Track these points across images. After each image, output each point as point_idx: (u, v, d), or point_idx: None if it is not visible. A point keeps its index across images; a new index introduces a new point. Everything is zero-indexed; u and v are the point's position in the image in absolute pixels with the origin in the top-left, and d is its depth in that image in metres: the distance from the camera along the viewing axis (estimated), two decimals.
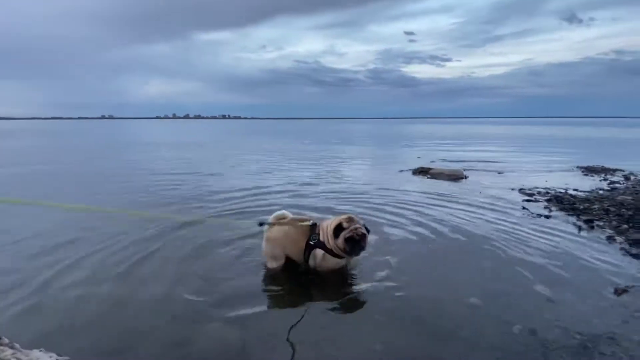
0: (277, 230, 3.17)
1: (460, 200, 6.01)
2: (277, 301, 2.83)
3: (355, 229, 2.91)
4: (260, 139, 26.93)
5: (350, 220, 2.96)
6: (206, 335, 2.35)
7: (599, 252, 3.72)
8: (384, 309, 2.63)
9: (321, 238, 3.01)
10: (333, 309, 2.67)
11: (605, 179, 8.08)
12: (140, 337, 2.34)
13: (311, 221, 3.13)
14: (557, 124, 74.81)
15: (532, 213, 5.20)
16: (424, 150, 16.26)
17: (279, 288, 3.00)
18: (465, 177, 8.27)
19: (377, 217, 4.95)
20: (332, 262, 3.04)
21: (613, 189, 6.95)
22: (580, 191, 6.63)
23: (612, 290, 2.93)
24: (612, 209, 5.17)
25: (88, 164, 11.94)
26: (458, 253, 3.74)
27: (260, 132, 42.91)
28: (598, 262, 3.47)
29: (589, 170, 9.38)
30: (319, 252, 3.01)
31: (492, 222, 4.75)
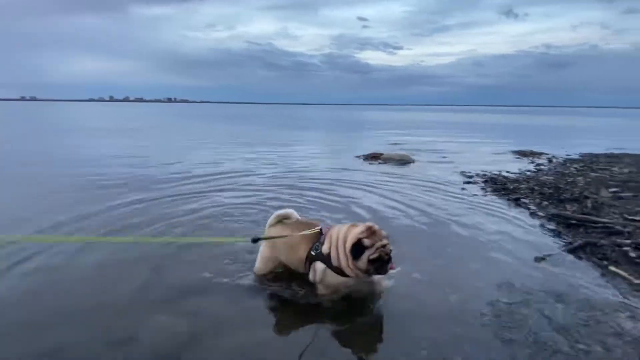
0: (275, 232, 2.74)
1: (407, 183, 6.41)
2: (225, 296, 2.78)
3: (383, 246, 2.30)
4: (214, 124, 25.69)
5: (371, 232, 2.31)
6: (153, 330, 2.25)
7: (523, 226, 4.23)
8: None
9: (325, 249, 2.41)
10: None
11: (532, 162, 9.11)
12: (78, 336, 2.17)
13: (320, 227, 2.60)
14: (496, 112, 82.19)
15: (470, 193, 5.72)
16: (377, 136, 16.86)
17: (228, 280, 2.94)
18: (413, 162, 8.77)
19: (329, 199, 5.08)
20: (335, 281, 2.42)
21: (538, 170, 7.87)
22: (512, 173, 7.41)
23: (533, 259, 3.36)
24: (536, 188, 5.87)
25: (14, 155, 10.42)
26: (404, 231, 3.99)
27: (213, 117, 40.90)
28: (522, 235, 3.94)
29: (520, 154, 10.50)
30: (320, 266, 2.44)
31: (434, 202, 5.14)
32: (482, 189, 6.07)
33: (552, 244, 3.72)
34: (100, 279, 2.90)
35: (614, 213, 4.36)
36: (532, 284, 2.88)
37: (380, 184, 6.25)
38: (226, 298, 2.62)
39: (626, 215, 4.23)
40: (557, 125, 30.98)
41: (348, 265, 2.32)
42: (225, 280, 2.83)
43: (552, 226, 4.22)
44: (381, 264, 2.30)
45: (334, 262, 2.36)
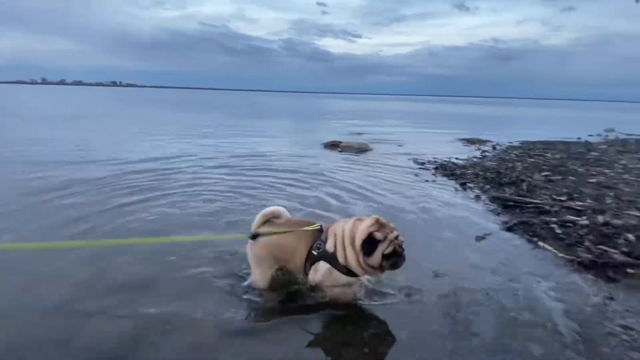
0: (267, 233, 2.44)
1: (363, 170, 6.61)
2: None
3: (396, 237, 2.15)
4: (166, 112, 24.16)
5: (381, 225, 2.16)
6: (94, 331, 2.12)
7: (467, 208, 4.58)
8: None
9: (329, 247, 2.21)
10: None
11: (479, 149, 9.81)
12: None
13: (320, 224, 2.38)
14: (449, 102, 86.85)
15: (422, 179, 6.05)
16: (337, 125, 17.06)
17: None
18: (371, 150, 9.03)
19: (289, 187, 5.10)
20: (342, 281, 2.25)
21: (483, 157, 8.51)
22: (460, 159, 7.93)
23: (474, 238, 3.66)
24: (480, 173, 6.35)
25: None
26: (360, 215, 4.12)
27: (164, 103, 38.45)
28: (466, 217, 4.27)
29: (468, 142, 11.24)
30: (323, 266, 2.22)
31: (389, 188, 5.38)
32: (433, 174, 6.44)
33: (492, 224, 4.07)
34: (38, 281, 2.65)
35: (545, 194, 4.87)
36: (472, 259, 3.15)
37: (339, 171, 6.40)
38: (173, 295, 2.49)
39: (554, 196, 4.75)
40: (503, 115, 33.58)
41: (358, 263, 2.12)
42: (173, 276, 2.73)
43: (492, 208, 4.61)
44: (397, 258, 2.14)
45: (341, 260, 2.16)
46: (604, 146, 10.85)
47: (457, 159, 8.02)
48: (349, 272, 2.19)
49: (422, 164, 7.39)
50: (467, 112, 36.53)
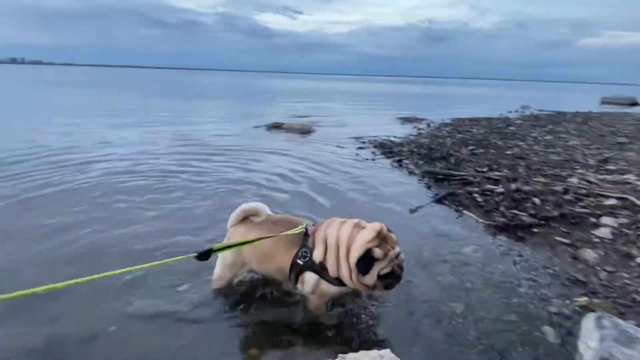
0: (240, 233, 2.13)
1: (306, 150, 6.66)
2: None
3: (397, 255, 1.89)
4: (79, 93, 21.31)
5: (382, 239, 1.87)
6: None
7: (402, 184, 4.89)
8: None
9: (317, 256, 1.92)
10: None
11: (415, 127, 10.43)
12: None
13: (305, 225, 2.05)
14: (390, 82, 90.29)
15: (362, 158, 6.28)
16: (280, 106, 16.74)
17: None
18: (314, 130, 9.07)
19: (226, 172, 4.92)
20: (331, 292, 2.00)
21: (419, 134, 9.07)
22: (397, 137, 8.36)
23: (408, 210, 3.94)
24: (415, 150, 6.77)
25: None
26: (303, 195, 4.17)
27: (80, 83, 33.84)
28: (401, 191, 4.56)
29: (406, 120, 11.87)
30: (311, 277, 1.96)
31: (330, 168, 5.50)
32: (373, 153, 6.71)
33: (424, 197, 4.40)
34: None
35: (469, 167, 5.39)
36: (406, 229, 3.41)
37: (281, 153, 6.35)
38: (89, 299, 2.25)
39: (477, 168, 5.28)
40: (437, 94, 35.97)
41: (351, 279, 1.88)
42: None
43: (425, 182, 4.99)
44: (392, 280, 1.90)
45: (332, 272, 1.90)
46: (519, 121, 12.25)
47: (395, 137, 8.44)
48: (340, 282, 1.92)
49: (363, 143, 7.64)
50: (406, 92, 38.40)
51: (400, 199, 4.31)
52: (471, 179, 4.77)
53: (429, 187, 4.75)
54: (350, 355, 1.35)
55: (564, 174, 4.93)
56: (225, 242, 2.12)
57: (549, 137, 8.20)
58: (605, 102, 25.99)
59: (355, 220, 1.96)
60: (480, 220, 3.66)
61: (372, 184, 4.78)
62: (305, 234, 2.00)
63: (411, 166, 5.74)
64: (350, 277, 1.87)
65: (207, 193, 4.19)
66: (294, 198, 4.18)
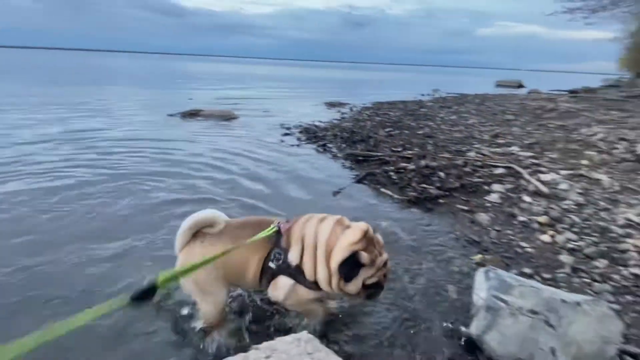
0: (196, 253, 1.73)
1: (228, 139, 6.40)
2: None
3: (385, 263, 1.70)
4: None
5: (369, 241, 1.66)
6: None
7: (326, 167, 5.05)
8: None
9: (292, 258, 1.69)
10: None
11: (339, 111, 10.74)
12: None
13: (278, 223, 1.78)
14: (314, 67, 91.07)
15: (287, 144, 6.28)
16: (198, 92, 15.61)
17: None
18: (236, 117, 8.71)
19: (133, 164, 4.45)
20: (310, 297, 1.76)
21: (342, 118, 9.38)
22: (322, 122, 8.53)
23: (332, 192, 4.09)
24: (338, 134, 7.00)
25: None
26: (224, 185, 4.00)
27: None
28: (325, 175, 4.70)
29: (330, 105, 12.16)
30: (285, 282, 1.72)
31: (255, 155, 5.40)
32: (298, 139, 6.74)
33: (346, 178, 4.61)
34: None
35: (386, 148, 5.78)
36: (330, 210, 3.51)
37: (199, 143, 6.00)
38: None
39: (392, 149, 5.70)
40: (359, 79, 37.52)
41: (330, 284, 1.65)
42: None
43: (347, 164, 5.21)
44: (377, 290, 1.72)
45: (309, 275, 1.67)
46: (430, 103, 13.50)
47: (319, 122, 8.58)
48: (318, 286, 1.69)
49: (288, 129, 7.62)
50: (330, 77, 39.21)
51: (325, 181, 4.45)
52: (387, 158, 5.13)
53: (351, 169, 4.98)
54: (265, 344, 1.35)
55: (464, 149, 5.62)
56: (176, 268, 1.52)
57: (453, 117, 9.22)
58: (499, 85, 30.13)
59: (337, 217, 1.74)
60: (396, 196, 3.98)
61: (297, 169, 4.83)
62: (278, 232, 1.74)
63: (334, 150, 5.93)
64: (330, 283, 1.63)
65: (120, 190, 3.76)
66: (217, 187, 4.02)
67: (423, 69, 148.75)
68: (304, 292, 1.72)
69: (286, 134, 7.08)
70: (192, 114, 8.62)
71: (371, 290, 1.69)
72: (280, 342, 1.39)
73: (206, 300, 1.80)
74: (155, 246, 2.74)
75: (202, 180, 4.23)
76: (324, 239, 1.66)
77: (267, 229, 1.73)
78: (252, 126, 7.77)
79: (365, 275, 1.62)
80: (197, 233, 1.79)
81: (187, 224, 1.76)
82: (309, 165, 5.10)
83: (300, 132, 7.33)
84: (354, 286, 1.63)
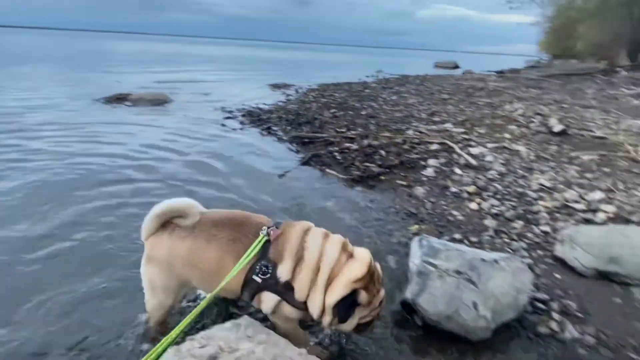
0: (165, 246, 1.59)
1: (162, 125, 5.99)
2: None
3: (381, 302, 1.59)
4: None
5: (370, 277, 1.51)
6: None
7: (271, 150, 4.98)
8: None
9: (283, 273, 1.49)
10: None
11: (284, 93, 10.56)
12: None
13: (266, 229, 1.55)
14: (256, 47, 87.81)
15: (230, 128, 6.05)
16: (126, 73, 14.20)
17: None
18: (171, 101, 8.14)
19: (61, 149, 3.96)
20: (293, 315, 1.58)
21: (287, 100, 9.25)
22: (266, 105, 8.33)
23: (278, 175, 4.06)
24: (283, 116, 6.91)
25: None
26: (163, 176, 3.76)
27: None
28: (271, 158, 4.65)
29: (275, 87, 11.89)
30: (271, 298, 1.53)
31: (191, 142, 5.13)
32: (241, 122, 6.53)
33: (292, 161, 4.60)
34: None
35: (331, 129, 5.86)
36: (276, 193, 3.54)
37: (126, 130, 5.51)
38: None
39: (337, 129, 5.79)
40: (305, 59, 37.05)
41: (320, 316, 1.51)
42: None
43: (293, 146, 5.19)
44: (367, 327, 1.62)
45: (300, 296, 1.49)
46: (374, 84, 13.86)
47: (264, 104, 8.37)
48: (307, 307, 1.54)
49: (230, 112, 7.32)
50: (274, 57, 38.19)
51: (271, 165, 4.40)
52: (332, 139, 5.21)
53: (297, 152, 4.97)
54: (202, 333, 1.33)
55: (404, 127, 5.90)
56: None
57: (394, 98, 9.59)
58: (437, 66, 31.84)
59: (342, 239, 1.58)
60: (340, 176, 4.08)
61: (241, 154, 4.72)
62: (267, 240, 1.53)
63: (280, 133, 5.86)
64: (321, 315, 1.50)
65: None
66: (150, 179, 3.75)
67: (367, 50, 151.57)
68: (290, 311, 1.54)
69: (228, 118, 6.80)
70: (119, 99, 7.85)
71: (362, 327, 1.59)
72: (218, 329, 1.37)
73: (153, 299, 1.69)
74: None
75: (133, 170, 3.93)
76: (330, 265, 1.48)
77: (256, 242, 1.50)
78: (189, 110, 7.32)
79: (360, 315, 1.52)
80: (168, 222, 1.62)
81: (157, 210, 1.59)
82: (253, 149, 4.99)
83: (243, 115, 7.09)
84: (348, 326, 1.54)
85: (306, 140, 5.30)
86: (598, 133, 5.20)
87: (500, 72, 18.79)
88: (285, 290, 1.49)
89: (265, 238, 1.52)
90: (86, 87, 10.06)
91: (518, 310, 1.90)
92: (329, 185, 3.91)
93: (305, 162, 4.49)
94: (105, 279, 2.21)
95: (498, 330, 1.86)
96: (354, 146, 4.81)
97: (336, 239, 1.57)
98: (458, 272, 1.81)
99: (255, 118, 6.80)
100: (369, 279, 1.50)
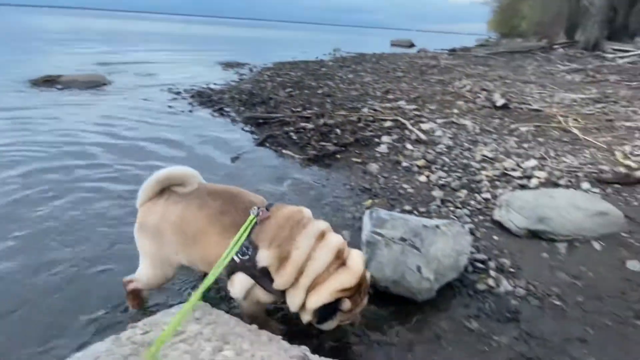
0: (158, 211, 1.60)
1: (96, 109, 5.56)
2: None
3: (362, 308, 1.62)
4: None
5: (358, 286, 1.50)
6: None
7: (224, 133, 4.83)
8: None
9: (264, 258, 1.45)
10: None
11: (237, 72, 10.18)
12: None
13: (257, 209, 1.52)
14: (204, 24, 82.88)
15: (177, 110, 5.75)
16: (56, 54, 12.79)
17: None
18: (109, 83, 7.52)
19: None
20: (267, 300, 1.58)
21: (241, 79, 8.94)
22: (218, 85, 8.00)
23: (231, 158, 3.97)
24: (236, 96, 6.69)
25: None
26: (93, 163, 3.51)
27: None
28: (223, 141, 4.51)
29: (228, 66, 11.41)
30: (244, 280, 1.50)
31: (136, 124, 4.85)
32: (190, 104, 6.22)
33: (246, 143, 4.51)
34: None
35: (286, 108, 5.79)
36: (230, 177, 3.47)
37: (58, 116, 5.03)
38: None
39: (293, 109, 5.73)
40: (260, 37, 35.71)
41: (299, 310, 1.51)
42: None
43: (247, 128, 5.07)
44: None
45: (280, 285, 1.46)
46: (331, 63, 13.78)
47: (215, 84, 8.03)
48: (283, 293, 1.52)
49: (177, 93, 6.94)
50: (226, 35, 36.36)
51: (223, 148, 4.27)
52: (288, 119, 5.16)
53: (251, 133, 4.87)
54: (145, 319, 1.30)
55: (359, 105, 5.98)
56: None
57: (351, 76, 9.64)
58: (393, 44, 32.28)
59: (337, 245, 1.52)
60: (296, 157, 4.08)
61: (190, 137, 4.51)
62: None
63: (233, 114, 5.68)
64: (300, 310, 1.51)
65: None
66: (89, 166, 3.50)
67: (325, 28, 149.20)
68: (263, 295, 1.53)
69: (175, 99, 6.46)
70: (48, 81, 7.09)
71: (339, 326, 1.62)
72: (163, 314, 1.35)
73: (146, 267, 1.69)
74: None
75: (67, 162, 3.62)
76: (316, 271, 1.45)
77: (247, 222, 1.48)
78: (131, 93, 6.82)
79: (340, 319, 1.54)
80: (165, 190, 1.64)
81: (157, 176, 1.61)
82: (204, 131, 4.80)
83: (192, 96, 6.77)
84: (326, 327, 1.55)
85: (261, 120, 5.20)
86: (535, 106, 5.65)
87: (452, 51, 19.51)
88: (261, 276, 1.46)
89: (255, 220, 1.49)
90: (8, 68, 8.95)
91: (459, 270, 2.07)
92: (285, 165, 3.91)
93: (260, 144, 4.42)
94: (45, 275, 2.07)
95: (441, 290, 2.03)
96: (310, 125, 4.81)
97: (331, 245, 1.50)
98: (403, 239, 1.92)
99: (206, 99, 6.51)
100: (356, 289, 1.49)
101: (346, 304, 1.45)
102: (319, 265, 1.44)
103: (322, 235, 1.51)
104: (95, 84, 7.14)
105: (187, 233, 1.56)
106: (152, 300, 1.91)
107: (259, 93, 6.95)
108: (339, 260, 1.49)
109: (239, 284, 1.51)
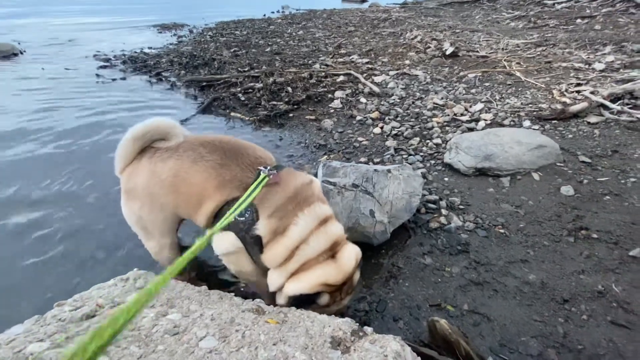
0: (147, 166, 1.44)
1: (14, 82, 4.86)
2: None
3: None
4: None
5: (343, 285, 1.38)
6: None
7: (164, 99, 4.50)
8: None
9: (261, 228, 1.31)
10: None
11: (175, 35, 9.36)
12: None
13: (267, 169, 1.38)
14: None
15: (107, 79, 5.22)
16: None
17: None
18: (21, 52, 6.60)
19: None
20: (247, 269, 1.46)
21: (180, 42, 8.24)
22: (154, 48, 7.33)
23: None
24: (175, 59, 6.18)
25: None
26: (26, 141, 3.14)
27: None
28: (165, 107, 4.22)
29: (163, 28, 10.43)
30: (233, 241, 1.37)
31: (60, 95, 4.33)
32: (122, 71, 5.67)
33: (190, 108, 4.23)
34: None
35: (232, 69, 5.46)
36: None
37: None
38: None
39: (239, 69, 5.42)
40: None
41: (272, 286, 1.40)
42: None
43: (190, 92, 4.74)
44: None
45: (267, 258, 1.36)
46: (279, 20, 13.09)
47: (150, 48, 7.35)
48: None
49: (107, 61, 6.27)
50: None
51: (165, 115, 3.97)
52: (234, 80, 4.88)
53: (194, 97, 4.58)
54: (76, 295, 1.20)
55: (310, 62, 5.80)
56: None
57: (301, 33, 9.25)
58: (344, 0, 31.24)
59: (335, 236, 1.40)
60: (246, 118, 3.92)
61: (125, 109, 4.14)
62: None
63: (172, 78, 5.28)
64: (274, 287, 1.41)
65: None
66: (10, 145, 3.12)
67: None
68: (248, 264, 1.44)
69: (104, 67, 5.84)
70: None
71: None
72: (97, 287, 1.27)
73: (149, 242, 1.58)
74: None
75: None
76: (305, 256, 1.34)
77: (258, 180, 1.35)
78: (49, 61, 6.06)
79: (312, 308, 1.41)
80: (146, 148, 1.47)
81: (134, 132, 1.41)
82: (141, 99, 4.44)
83: (124, 62, 6.16)
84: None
85: (204, 83, 4.88)
86: (482, 53, 5.80)
87: (403, 4, 19.26)
88: (252, 243, 1.36)
89: (266, 180, 1.36)
90: None
91: (412, 212, 2.15)
92: (235, 129, 3.75)
93: (205, 108, 4.18)
94: None
95: (396, 231, 2.11)
96: (259, 85, 4.59)
97: (330, 234, 1.39)
98: (355, 186, 1.94)
99: (140, 64, 5.97)
100: (340, 287, 1.39)
101: (324, 299, 1.36)
102: (311, 251, 1.34)
103: (324, 221, 1.40)
104: (3, 54, 6.23)
105: (182, 192, 1.42)
106: (81, 277, 1.80)
107: (200, 55, 6.48)
108: (330, 252, 1.39)
109: (226, 242, 1.39)
